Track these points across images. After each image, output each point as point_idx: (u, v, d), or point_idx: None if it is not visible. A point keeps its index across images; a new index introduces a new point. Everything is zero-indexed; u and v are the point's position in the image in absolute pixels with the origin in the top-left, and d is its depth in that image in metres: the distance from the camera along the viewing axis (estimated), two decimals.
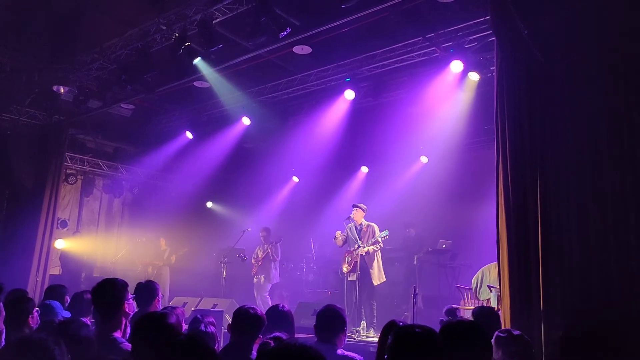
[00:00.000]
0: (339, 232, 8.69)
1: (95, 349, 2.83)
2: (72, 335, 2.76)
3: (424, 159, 11.27)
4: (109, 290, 3.27)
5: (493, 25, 5.74)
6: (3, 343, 2.86)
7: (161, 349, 2.09)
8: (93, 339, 2.84)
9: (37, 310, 3.57)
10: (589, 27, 4.99)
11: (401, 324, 2.99)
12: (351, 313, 8.01)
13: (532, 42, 5.19)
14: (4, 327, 2.63)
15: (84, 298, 4.82)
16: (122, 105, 10.62)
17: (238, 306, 3.54)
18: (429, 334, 2.26)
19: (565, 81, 5.13)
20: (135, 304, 3.42)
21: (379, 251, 8.43)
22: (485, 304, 6.75)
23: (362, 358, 3.38)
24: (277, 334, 2.97)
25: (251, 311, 3.30)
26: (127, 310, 3.25)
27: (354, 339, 7.57)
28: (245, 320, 3.26)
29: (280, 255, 10.25)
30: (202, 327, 3.41)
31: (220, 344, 3.81)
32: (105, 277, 3.50)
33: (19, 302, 3.46)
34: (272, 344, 2.79)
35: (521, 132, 5.35)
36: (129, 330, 3.35)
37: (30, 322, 3.43)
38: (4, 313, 2.62)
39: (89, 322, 4.35)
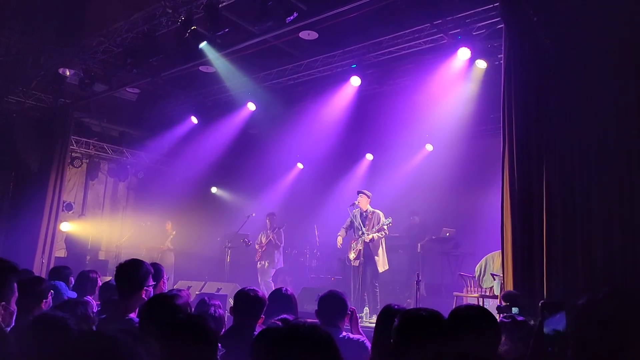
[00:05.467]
0: (340, 237, 8.70)
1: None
2: (81, 314, 2.78)
3: (429, 147, 11.25)
4: (133, 271, 3.28)
5: (502, 12, 5.69)
6: (13, 324, 2.87)
7: (165, 328, 2.11)
8: (95, 318, 2.86)
9: (51, 293, 3.53)
10: (600, 15, 4.94)
11: (396, 307, 3.01)
12: (354, 298, 8.06)
13: (542, 30, 5.14)
14: (16, 307, 2.63)
15: (89, 277, 4.87)
16: (127, 89, 10.61)
17: None
18: (434, 317, 2.28)
19: (575, 71, 5.08)
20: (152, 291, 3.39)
21: (384, 238, 8.45)
22: (488, 293, 6.78)
23: (365, 338, 3.42)
24: (284, 316, 2.99)
25: (252, 293, 3.31)
26: (143, 296, 3.25)
27: None
28: (247, 302, 3.28)
29: (284, 241, 10.29)
30: (212, 310, 3.43)
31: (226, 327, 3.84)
32: (132, 258, 3.47)
33: (34, 284, 3.40)
34: (279, 324, 2.80)
35: (528, 121, 5.32)
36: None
37: (43, 306, 3.39)
38: (17, 294, 2.62)
39: (93, 302, 4.39)
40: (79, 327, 2.14)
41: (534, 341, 2.35)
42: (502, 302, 4.71)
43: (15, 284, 2.56)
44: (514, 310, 4.35)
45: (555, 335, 2.31)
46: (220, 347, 2.34)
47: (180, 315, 2.25)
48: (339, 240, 8.71)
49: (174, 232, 11.53)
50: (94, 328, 2.95)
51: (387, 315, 2.87)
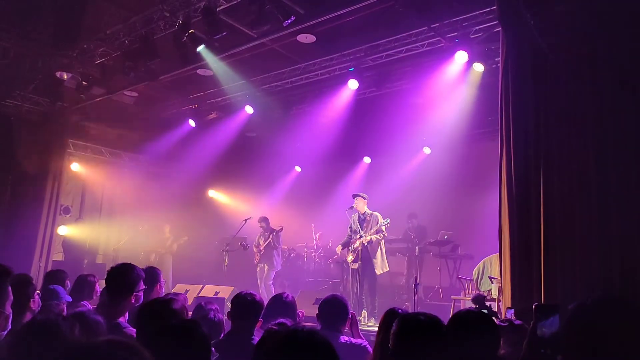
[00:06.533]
0: (340, 247, 8.83)
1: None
2: (86, 319, 2.77)
3: (426, 150, 11.27)
4: (123, 275, 3.27)
5: (499, 15, 5.70)
6: (10, 327, 2.87)
7: (159, 333, 2.11)
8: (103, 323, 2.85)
9: (38, 294, 3.56)
10: (598, 18, 4.95)
11: (400, 311, 3.01)
12: (352, 302, 8.05)
13: (539, 33, 5.16)
14: (11, 311, 2.63)
15: (87, 281, 4.86)
16: (125, 92, 10.59)
17: None
18: (433, 321, 2.28)
19: (572, 73, 5.10)
20: (143, 296, 3.39)
21: (383, 241, 8.44)
22: (486, 296, 6.77)
23: (367, 343, 3.41)
24: (282, 320, 2.99)
25: (249, 297, 3.35)
26: (132, 301, 3.24)
27: None
28: (244, 306, 3.31)
29: (281, 243, 10.28)
30: (212, 315, 3.44)
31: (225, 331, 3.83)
32: (125, 262, 3.46)
33: (21, 286, 3.44)
34: (277, 329, 2.81)
35: (526, 124, 5.33)
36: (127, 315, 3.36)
37: (31, 305, 3.42)
38: (11, 297, 2.63)
39: (89, 306, 4.37)
40: (72, 334, 2.12)
41: (527, 343, 2.36)
42: (473, 305, 4.74)
43: (10, 288, 2.56)
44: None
45: (548, 338, 2.31)
46: (214, 352, 2.33)
47: (173, 320, 2.24)
48: (339, 248, 8.83)
49: (186, 238, 11.53)
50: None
51: (391, 317, 2.88)
